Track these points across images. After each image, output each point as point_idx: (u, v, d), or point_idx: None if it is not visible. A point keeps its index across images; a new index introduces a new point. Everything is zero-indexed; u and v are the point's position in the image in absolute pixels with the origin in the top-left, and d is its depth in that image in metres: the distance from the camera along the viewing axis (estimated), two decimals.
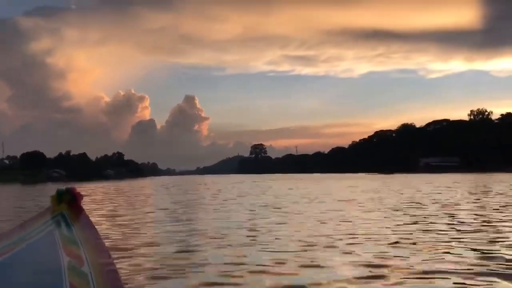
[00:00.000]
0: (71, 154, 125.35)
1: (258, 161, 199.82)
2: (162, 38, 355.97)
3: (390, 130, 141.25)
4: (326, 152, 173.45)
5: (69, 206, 1.52)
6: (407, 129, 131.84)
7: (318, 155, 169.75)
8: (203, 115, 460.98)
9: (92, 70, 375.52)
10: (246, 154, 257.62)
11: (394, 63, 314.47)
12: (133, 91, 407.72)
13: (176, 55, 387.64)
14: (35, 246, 1.33)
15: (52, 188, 4.15)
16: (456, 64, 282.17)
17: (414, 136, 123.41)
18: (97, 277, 1.15)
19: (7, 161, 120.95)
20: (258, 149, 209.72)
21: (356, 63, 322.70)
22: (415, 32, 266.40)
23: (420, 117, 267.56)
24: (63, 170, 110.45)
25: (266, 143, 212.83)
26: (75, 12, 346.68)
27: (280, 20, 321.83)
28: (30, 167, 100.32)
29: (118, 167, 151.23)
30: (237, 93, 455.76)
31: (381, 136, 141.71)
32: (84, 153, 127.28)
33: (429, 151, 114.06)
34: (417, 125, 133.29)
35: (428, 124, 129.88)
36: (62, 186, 1.69)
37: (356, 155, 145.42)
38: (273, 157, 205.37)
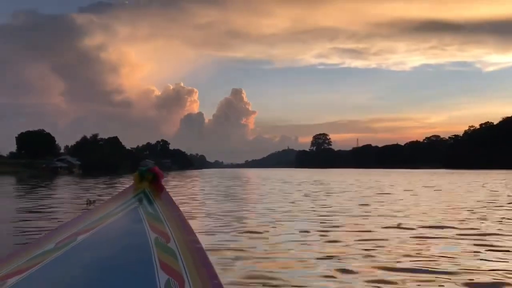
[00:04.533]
0: (99, 137, 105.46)
1: (318, 154, 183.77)
2: (211, 32, 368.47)
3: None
4: (379, 146, 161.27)
5: (151, 184, 1.54)
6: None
7: (391, 148, 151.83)
8: (250, 108, 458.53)
9: (143, 64, 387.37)
10: (295, 147, 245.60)
11: (448, 55, 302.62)
12: (182, 85, 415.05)
13: (224, 49, 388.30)
14: (121, 222, 1.36)
15: None
16: None
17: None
18: (184, 253, 1.14)
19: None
20: (320, 139, 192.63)
21: (408, 56, 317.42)
22: (471, 22, 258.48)
23: (475, 112, 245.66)
24: (78, 159, 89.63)
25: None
26: (127, 8, 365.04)
27: (329, 12, 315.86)
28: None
29: (161, 158, 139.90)
30: (284, 87, 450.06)
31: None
32: (116, 137, 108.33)
33: None
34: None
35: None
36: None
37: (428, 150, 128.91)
38: (333, 150, 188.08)
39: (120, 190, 1.65)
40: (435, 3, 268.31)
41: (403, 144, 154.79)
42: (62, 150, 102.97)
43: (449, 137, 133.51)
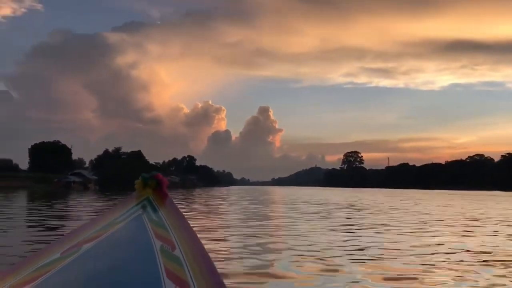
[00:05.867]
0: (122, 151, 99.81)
1: (348, 173, 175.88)
2: (239, 51, 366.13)
3: None
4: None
5: (154, 191, 1.53)
6: None
7: (430, 167, 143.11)
8: (277, 126, 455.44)
9: (172, 82, 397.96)
10: (322, 166, 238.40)
11: (479, 74, 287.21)
12: (210, 103, 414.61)
13: (252, 67, 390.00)
14: (125, 230, 1.34)
15: None
16: None
17: None
18: (190, 261, 1.12)
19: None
20: (352, 157, 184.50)
21: (438, 75, 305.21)
22: (502, 41, 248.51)
23: (507, 132, 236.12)
24: (94, 174, 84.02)
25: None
26: (159, 27, 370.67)
27: (357, 31, 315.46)
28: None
29: (187, 174, 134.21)
30: (311, 105, 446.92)
31: None
32: (139, 151, 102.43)
33: None
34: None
35: None
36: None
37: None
38: (363, 169, 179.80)
39: (122, 199, 1.62)
40: (466, 22, 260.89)
41: (443, 163, 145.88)
42: (87, 165, 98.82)
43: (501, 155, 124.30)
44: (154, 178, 1.53)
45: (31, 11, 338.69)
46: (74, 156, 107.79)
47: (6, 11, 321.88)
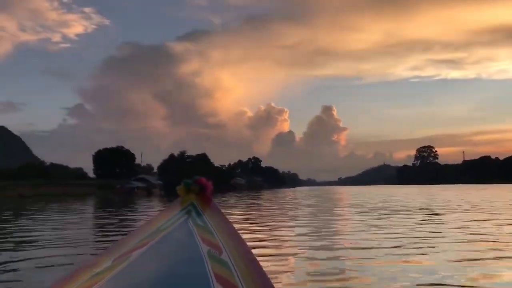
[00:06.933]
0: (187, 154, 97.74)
1: (422, 169, 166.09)
2: (299, 52, 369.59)
3: None
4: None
5: (198, 196, 1.51)
6: None
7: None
8: (341, 125, 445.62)
9: (235, 87, 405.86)
10: (391, 163, 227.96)
11: None
12: (272, 105, 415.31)
13: (313, 67, 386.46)
14: (172, 236, 1.35)
15: None
16: None
17: None
18: (239, 265, 1.13)
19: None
20: (425, 152, 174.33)
21: None
22: None
23: None
24: (158, 179, 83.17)
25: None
26: (220, 34, 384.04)
27: (421, 22, 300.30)
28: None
29: (253, 175, 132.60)
30: (376, 102, 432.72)
31: None
32: (204, 153, 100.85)
33: None
34: None
35: None
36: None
37: None
38: (437, 165, 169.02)
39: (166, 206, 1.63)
40: None
41: None
42: (155, 170, 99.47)
43: None
44: (197, 183, 1.50)
45: (100, 27, 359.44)
46: (144, 163, 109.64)
47: (78, 29, 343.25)
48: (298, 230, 10.54)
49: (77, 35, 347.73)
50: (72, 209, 24.50)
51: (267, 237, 9.18)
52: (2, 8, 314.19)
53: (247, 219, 14.42)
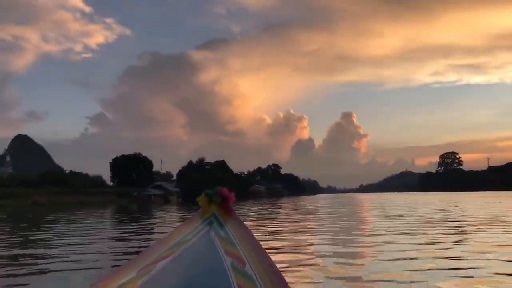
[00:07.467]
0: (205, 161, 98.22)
1: (445, 176, 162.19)
2: (318, 58, 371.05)
3: None
4: None
5: (220, 207, 1.48)
6: None
7: None
8: (361, 132, 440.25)
9: (254, 94, 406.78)
10: (413, 170, 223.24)
11: None
12: (292, 112, 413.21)
13: (332, 73, 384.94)
14: (195, 248, 1.34)
15: None
16: None
17: None
18: (262, 278, 1.14)
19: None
20: (449, 159, 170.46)
21: None
22: None
23: None
24: (176, 186, 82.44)
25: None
26: (239, 41, 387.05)
27: (441, 27, 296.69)
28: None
29: (272, 183, 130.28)
30: (396, 108, 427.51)
31: None
32: (223, 160, 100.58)
33: None
34: None
35: None
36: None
37: None
38: (462, 171, 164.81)
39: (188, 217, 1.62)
40: None
41: None
42: (174, 177, 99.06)
43: None
44: (219, 194, 1.47)
45: (120, 37, 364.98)
46: (164, 170, 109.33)
47: (100, 39, 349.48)
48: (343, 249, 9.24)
49: (99, 45, 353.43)
50: (77, 221, 23.57)
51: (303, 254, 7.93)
52: (27, 20, 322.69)
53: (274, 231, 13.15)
